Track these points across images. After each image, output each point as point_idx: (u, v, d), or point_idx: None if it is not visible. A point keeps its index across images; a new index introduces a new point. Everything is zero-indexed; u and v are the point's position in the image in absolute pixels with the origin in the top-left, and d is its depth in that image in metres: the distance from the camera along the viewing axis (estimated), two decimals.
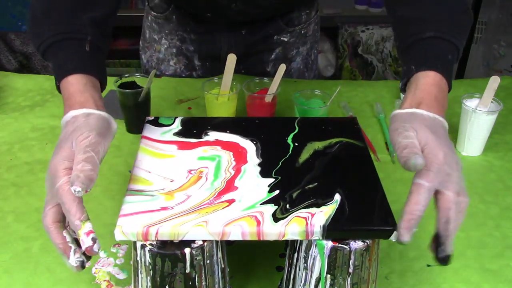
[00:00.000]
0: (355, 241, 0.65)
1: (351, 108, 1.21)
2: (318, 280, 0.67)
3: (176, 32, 1.28)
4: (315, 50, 1.39)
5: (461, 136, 1.08)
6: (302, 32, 1.30)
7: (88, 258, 0.65)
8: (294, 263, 0.69)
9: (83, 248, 0.63)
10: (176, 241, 0.64)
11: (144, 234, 0.63)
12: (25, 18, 2.48)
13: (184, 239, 0.64)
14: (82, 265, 0.65)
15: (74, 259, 0.64)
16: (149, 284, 0.66)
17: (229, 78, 1.08)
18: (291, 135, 0.81)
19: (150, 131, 0.82)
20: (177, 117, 0.85)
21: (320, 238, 0.64)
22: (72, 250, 0.64)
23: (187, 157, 0.76)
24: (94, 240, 0.63)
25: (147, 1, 1.32)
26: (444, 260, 0.66)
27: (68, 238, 0.64)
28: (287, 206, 0.67)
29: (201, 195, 0.69)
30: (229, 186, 0.70)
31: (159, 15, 1.28)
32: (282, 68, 1.07)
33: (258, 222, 0.64)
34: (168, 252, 0.63)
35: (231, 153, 0.77)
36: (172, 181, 0.71)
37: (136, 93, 1.07)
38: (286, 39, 1.29)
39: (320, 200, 0.68)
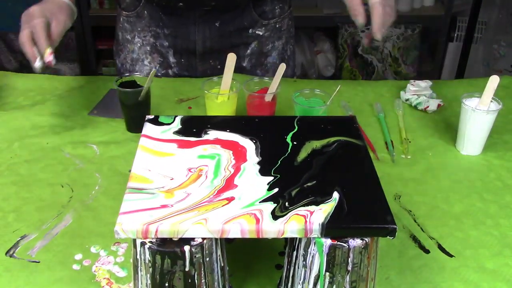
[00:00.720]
0: (354, 239, 0.65)
1: (351, 108, 1.22)
2: (317, 278, 0.67)
3: (149, 28, 1.28)
4: (291, 46, 1.39)
5: (460, 136, 1.08)
6: (277, 26, 1.30)
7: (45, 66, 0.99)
8: (293, 261, 0.69)
9: (46, 61, 0.98)
10: (175, 239, 0.64)
11: (144, 231, 0.64)
12: None
13: (184, 236, 0.64)
14: (42, 67, 0.98)
15: (39, 63, 0.97)
16: (149, 281, 0.66)
17: (229, 77, 1.08)
18: (290, 134, 0.81)
19: (150, 129, 0.82)
20: (177, 116, 0.85)
21: (319, 236, 0.65)
22: (38, 58, 0.97)
23: (187, 156, 0.76)
24: (53, 57, 0.99)
25: (119, 4, 1.31)
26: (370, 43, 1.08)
27: (36, 51, 0.97)
28: (286, 204, 0.67)
29: (201, 193, 0.69)
30: (229, 184, 0.71)
31: (130, 13, 1.28)
32: (282, 67, 1.07)
33: (257, 220, 0.65)
34: (168, 249, 0.64)
35: (231, 152, 0.77)
36: (172, 179, 0.71)
37: (136, 92, 1.08)
38: (261, 33, 1.29)
39: (319, 198, 0.68)
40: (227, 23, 1.25)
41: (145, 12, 1.26)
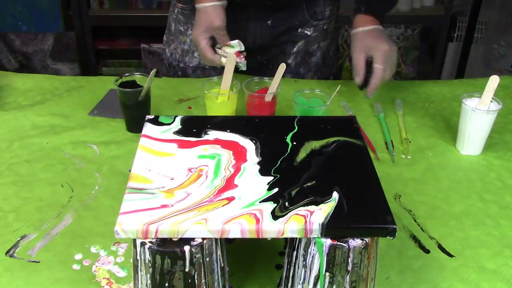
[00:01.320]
0: (354, 239, 0.65)
1: (351, 108, 1.22)
2: (317, 278, 0.67)
3: None
4: (334, 47, 1.41)
5: (460, 135, 1.08)
6: (325, 27, 1.32)
7: None
8: (293, 261, 0.69)
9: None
10: (175, 239, 0.64)
11: (144, 231, 0.64)
12: (25, 18, 2.49)
13: (184, 236, 0.64)
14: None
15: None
16: (149, 281, 0.66)
17: (229, 78, 1.08)
18: (290, 134, 0.81)
19: (150, 129, 0.82)
20: (177, 116, 0.85)
21: (319, 236, 0.65)
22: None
23: (187, 156, 0.76)
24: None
25: None
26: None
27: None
28: (286, 204, 0.67)
29: (201, 192, 0.69)
30: (229, 184, 0.71)
31: (187, 6, 1.29)
32: (282, 67, 1.07)
33: (257, 220, 0.64)
34: (168, 249, 0.64)
35: (231, 152, 0.77)
36: (172, 179, 0.71)
37: (136, 92, 1.08)
38: (309, 33, 1.31)
39: (319, 198, 0.68)
40: (278, 22, 1.26)
41: None
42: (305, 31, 1.30)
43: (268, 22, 1.26)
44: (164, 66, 1.43)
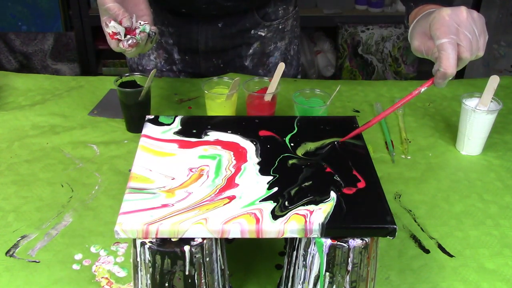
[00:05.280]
0: (354, 239, 0.65)
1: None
2: (317, 278, 0.67)
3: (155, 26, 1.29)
4: (295, 46, 1.39)
5: (460, 136, 1.08)
6: (280, 27, 1.31)
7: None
8: (293, 261, 0.69)
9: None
10: (175, 239, 0.64)
11: (144, 232, 0.64)
12: (25, 18, 2.49)
13: (184, 236, 0.64)
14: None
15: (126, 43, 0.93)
16: (149, 281, 0.66)
17: (235, 96, 1.08)
18: (290, 135, 0.81)
19: (150, 129, 0.82)
20: (177, 116, 0.85)
21: (319, 236, 0.65)
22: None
23: (187, 156, 0.76)
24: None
25: None
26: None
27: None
28: (286, 203, 0.67)
29: (202, 192, 0.69)
30: (230, 183, 0.71)
31: None
32: (281, 66, 1.07)
33: (258, 220, 0.65)
34: (168, 249, 0.64)
35: (232, 153, 0.77)
36: (173, 179, 0.71)
37: (136, 92, 1.08)
38: (263, 34, 1.29)
39: (318, 197, 0.68)
40: (229, 25, 1.26)
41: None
42: (259, 32, 1.29)
43: (219, 25, 1.25)
44: (129, 69, 1.43)
